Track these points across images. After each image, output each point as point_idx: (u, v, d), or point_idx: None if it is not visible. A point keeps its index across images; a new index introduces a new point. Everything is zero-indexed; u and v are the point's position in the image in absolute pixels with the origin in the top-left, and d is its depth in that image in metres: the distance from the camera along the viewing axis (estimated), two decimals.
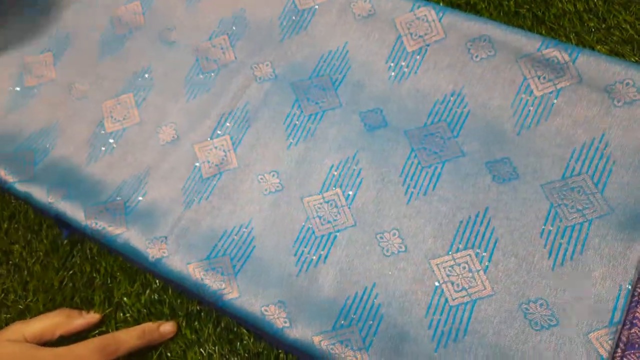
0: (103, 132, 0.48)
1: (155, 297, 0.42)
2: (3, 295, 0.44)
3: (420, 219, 0.40)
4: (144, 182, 0.45)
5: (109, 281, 0.43)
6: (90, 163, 0.47)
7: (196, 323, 0.41)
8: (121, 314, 0.42)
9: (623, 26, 0.44)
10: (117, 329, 0.42)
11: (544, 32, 0.45)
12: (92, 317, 0.42)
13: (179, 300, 0.42)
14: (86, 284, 0.43)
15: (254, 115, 0.46)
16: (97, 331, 0.42)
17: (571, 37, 0.45)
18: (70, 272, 0.44)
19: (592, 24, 0.45)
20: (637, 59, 0.43)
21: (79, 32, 0.53)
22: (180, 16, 0.52)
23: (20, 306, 0.44)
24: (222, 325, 0.40)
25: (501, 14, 0.46)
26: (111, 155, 0.47)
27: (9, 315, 0.44)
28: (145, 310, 0.42)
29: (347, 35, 0.47)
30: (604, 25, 0.45)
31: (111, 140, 0.47)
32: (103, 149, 0.47)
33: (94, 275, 0.44)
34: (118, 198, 0.44)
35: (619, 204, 0.37)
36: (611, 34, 0.44)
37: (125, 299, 0.42)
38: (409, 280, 0.38)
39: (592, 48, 0.44)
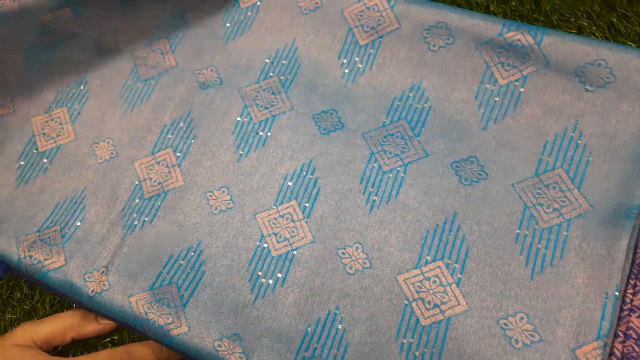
0: (35, 151, 0.40)
1: None
2: (8, 293, 0.37)
3: (384, 230, 0.33)
4: (81, 205, 0.38)
5: None
6: (20, 185, 0.39)
7: None
8: None
9: None
10: (130, 340, 0.35)
11: (615, 19, 0.36)
12: (108, 323, 0.35)
13: None
14: None
15: (199, 125, 0.39)
16: (109, 339, 0.36)
17: None
18: None
19: None
20: None
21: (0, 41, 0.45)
22: (117, 21, 0.44)
23: (25, 306, 0.37)
24: None
25: None
26: (44, 176, 0.39)
27: (14, 316, 0.37)
28: None
29: (294, 31, 0.40)
30: None
31: (45, 160, 0.40)
32: (35, 169, 0.40)
33: None
34: (52, 225, 0.37)
35: (598, 198, 0.31)
36: None
37: None
38: (376, 300, 0.32)
39: None
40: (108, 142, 0.39)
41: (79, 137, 0.40)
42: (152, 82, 0.41)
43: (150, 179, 0.37)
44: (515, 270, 0.31)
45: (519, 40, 0.35)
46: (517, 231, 0.32)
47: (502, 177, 0.33)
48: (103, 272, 0.35)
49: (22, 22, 0.46)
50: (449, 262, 0.32)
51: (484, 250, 0.32)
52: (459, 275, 0.31)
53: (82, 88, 0.42)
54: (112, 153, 0.39)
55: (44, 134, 0.41)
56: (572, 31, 0.38)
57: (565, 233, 0.31)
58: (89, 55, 0.43)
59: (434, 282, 0.31)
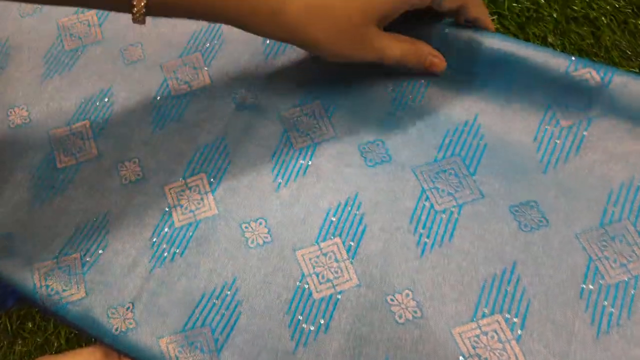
0: (53, 167, 0.37)
1: None
2: (19, 322, 0.34)
3: (437, 277, 0.31)
4: (104, 230, 0.35)
5: None
6: (36, 205, 0.36)
7: None
8: None
9: None
10: None
11: None
12: None
13: None
14: None
15: (234, 149, 0.36)
16: None
17: None
18: None
19: None
20: None
21: (20, 46, 0.42)
22: (146, 29, 0.41)
23: (38, 338, 0.33)
24: None
25: (626, 33, 0.35)
26: (62, 196, 0.36)
27: (24, 349, 0.33)
28: None
29: None
30: None
31: (64, 178, 0.37)
32: (53, 188, 0.36)
33: None
34: (72, 251, 0.34)
35: None
36: None
37: None
38: (428, 354, 0.29)
39: None
40: (134, 162, 0.36)
41: (101, 154, 0.37)
42: (184, 99, 0.38)
43: (182, 206, 0.34)
44: (580, 328, 0.29)
45: (586, 80, 0.33)
46: (582, 285, 0.30)
47: (564, 225, 0.31)
48: (129, 308, 0.32)
49: (42, 24, 0.42)
50: (508, 316, 0.29)
51: (546, 304, 0.29)
52: (519, 332, 0.29)
53: (106, 100, 0.39)
54: (138, 175, 0.36)
55: (64, 149, 0.37)
56: (634, 70, 0.36)
57: (632, 291, 0.29)
58: (114, 64, 0.40)
59: (492, 337, 0.29)
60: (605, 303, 0.29)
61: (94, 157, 0.37)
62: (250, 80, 0.38)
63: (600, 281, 0.29)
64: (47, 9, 0.43)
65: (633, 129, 0.32)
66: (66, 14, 0.42)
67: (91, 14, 0.42)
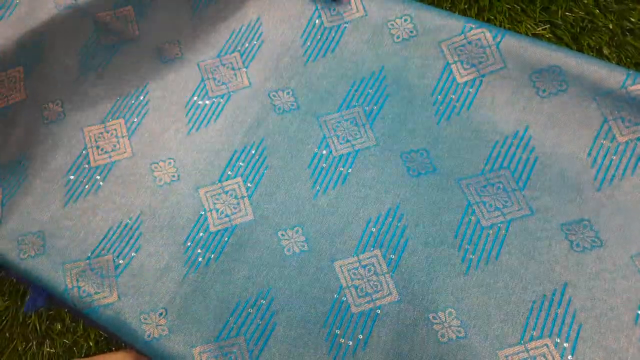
0: (87, 165, 0.37)
1: None
2: (47, 323, 0.33)
3: (483, 296, 0.30)
4: (137, 232, 0.34)
5: None
6: (68, 203, 0.35)
7: None
8: None
9: None
10: None
11: None
12: None
13: None
14: None
15: (272, 154, 0.35)
16: None
17: None
18: None
19: None
20: None
21: (55, 40, 0.41)
22: (184, 26, 0.40)
23: (66, 340, 0.32)
24: None
25: None
26: (96, 195, 0.35)
27: (52, 350, 0.32)
28: None
29: (383, 59, 0.37)
30: None
31: (97, 177, 0.36)
32: (87, 186, 0.36)
33: None
34: (104, 253, 0.33)
35: None
36: None
37: None
38: None
39: None
40: (169, 163, 0.36)
41: (136, 153, 0.36)
42: (222, 100, 0.37)
43: (217, 210, 0.34)
44: (635, 356, 0.27)
45: None
46: (637, 312, 0.28)
47: (619, 247, 0.30)
48: (162, 314, 0.31)
49: (78, 18, 0.42)
50: (558, 340, 0.28)
51: (598, 330, 0.28)
52: (569, 358, 0.28)
53: (141, 99, 0.38)
54: (173, 176, 0.35)
55: (98, 146, 0.37)
56: None
57: None
58: (150, 62, 0.39)
59: None
60: None
61: (128, 157, 0.36)
62: (290, 82, 0.37)
63: None
64: (83, 2, 0.43)
65: None
66: (103, 8, 0.42)
67: (129, 9, 0.42)
